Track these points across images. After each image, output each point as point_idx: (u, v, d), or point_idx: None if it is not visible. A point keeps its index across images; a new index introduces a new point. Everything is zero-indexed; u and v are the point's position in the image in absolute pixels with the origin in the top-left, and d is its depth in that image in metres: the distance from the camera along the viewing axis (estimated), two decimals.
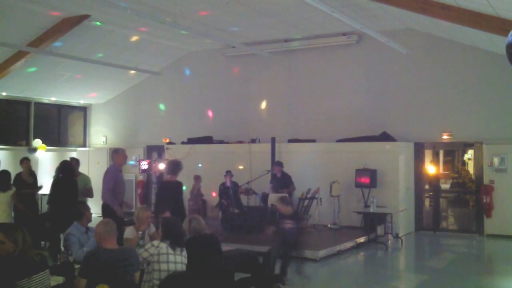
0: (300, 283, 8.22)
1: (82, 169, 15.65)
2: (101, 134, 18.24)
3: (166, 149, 15.51)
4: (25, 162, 10.49)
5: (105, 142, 17.98)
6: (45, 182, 11.14)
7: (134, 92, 17.61)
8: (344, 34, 13.97)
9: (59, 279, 4.96)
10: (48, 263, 4.67)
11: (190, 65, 16.64)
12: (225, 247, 7.07)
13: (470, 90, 12.93)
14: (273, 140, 13.63)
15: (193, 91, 16.54)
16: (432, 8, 9.60)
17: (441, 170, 14.07)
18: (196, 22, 12.77)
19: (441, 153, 14.21)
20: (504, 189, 12.29)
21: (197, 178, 13.36)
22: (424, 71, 13.45)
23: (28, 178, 10.22)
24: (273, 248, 6.76)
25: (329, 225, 12.54)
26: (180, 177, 8.91)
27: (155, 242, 5.43)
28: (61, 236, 7.21)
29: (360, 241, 11.22)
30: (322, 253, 9.70)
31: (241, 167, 13.97)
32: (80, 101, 17.99)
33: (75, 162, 10.02)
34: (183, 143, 15.48)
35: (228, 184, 12.88)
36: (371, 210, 11.49)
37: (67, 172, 9.22)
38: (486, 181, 12.56)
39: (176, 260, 5.36)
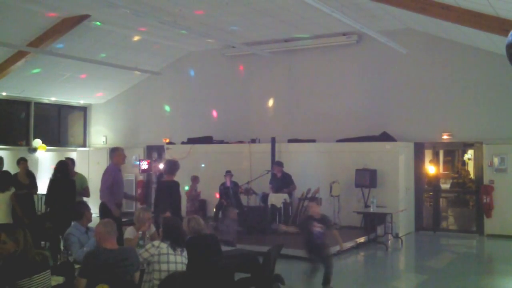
0: (300, 283, 8.21)
1: (82, 169, 15.73)
2: (101, 134, 18.24)
3: (166, 149, 15.51)
4: (22, 163, 10.42)
5: (105, 142, 17.98)
6: (45, 182, 11.11)
7: (134, 92, 17.61)
8: (344, 34, 13.97)
9: (59, 279, 4.96)
10: (49, 263, 4.68)
11: (190, 65, 16.64)
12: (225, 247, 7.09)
13: (470, 90, 12.93)
14: (273, 140, 13.63)
15: (193, 91, 16.54)
16: (432, 8, 9.60)
17: (441, 170, 14.08)
18: (196, 22, 12.77)
19: (441, 153, 14.22)
20: (504, 189, 12.29)
21: (195, 179, 13.33)
22: (424, 71, 13.45)
23: (24, 179, 10.15)
24: (273, 248, 6.76)
25: None
26: (179, 178, 8.92)
27: (156, 242, 5.43)
28: (61, 236, 7.22)
29: (360, 241, 11.22)
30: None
31: (243, 165, 13.94)
32: (80, 101, 17.99)
33: (70, 162, 10.03)
34: (183, 143, 15.48)
35: (228, 184, 12.89)
36: (371, 210, 11.49)
37: (65, 171, 9.24)
38: (486, 181, 12.56)
39: (176, 260, 5.36)
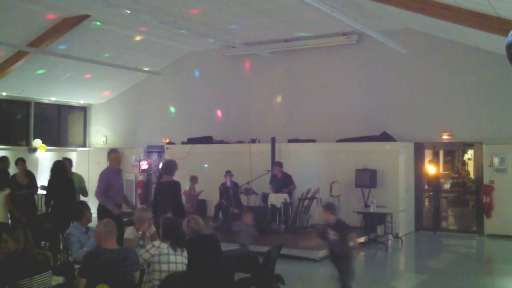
0: (300, 283, 8.23)
1: (82, 169, 15.74)
2: (101, 134, 18.24)
3: (166, 149, 15.51)
4: (20, 163, 10.39)
5: (105, 142, 17.98)
6: (45, 182, 11.12)
7: (134, 92, 17.61)
8: (344, 34, 13.97)
9: (59, 279, 4.96)
10: (50, 264, 4.68)
11: (190, 65, 16.65)
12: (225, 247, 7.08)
13: (470, 90, 12.93)
14: (273, 140, 13.63)
15: (193, 91, 16.54)
16: (432, 8, 9.60)
17: (441, 170, 14.07)
18: (196, 22, 12.77)
19: (441, 153, 14.21)
20: (504, 189, 12.28)
21: (194, 179, 13.32)
22: (424, 71, 13.45)
23: (22, 179, 10.10)
24: (273, 248, 6.76)
25: None
26: (179, 178, 8.93)
27: (156, 243, 5.43)
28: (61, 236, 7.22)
29: (360, 241, 11.19)
30: (322, 253, 9.68)
31: (243, 165, 13.94)
32: (80, 101, 18.00)
33: (67, 162, 10.05)
34: (183, 143, 15.49)
35: (228, 184, 12.88)
36: (371, 210, 11.49)
37: (62, 171, 9.25)
38: (486, 181, 12.56)
39: (176, 260, 5.36)
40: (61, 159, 10.10)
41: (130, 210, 8.64)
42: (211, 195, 13.79)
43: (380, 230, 11.76)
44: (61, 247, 6.67)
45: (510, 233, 12.09)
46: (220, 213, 12.86)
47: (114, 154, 8.76)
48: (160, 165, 14.10)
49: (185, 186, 12.84)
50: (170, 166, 8.68)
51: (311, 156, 13.55)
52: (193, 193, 13.27)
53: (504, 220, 12.24)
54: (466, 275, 9.21)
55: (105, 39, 14.08)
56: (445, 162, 14.52)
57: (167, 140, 15.94)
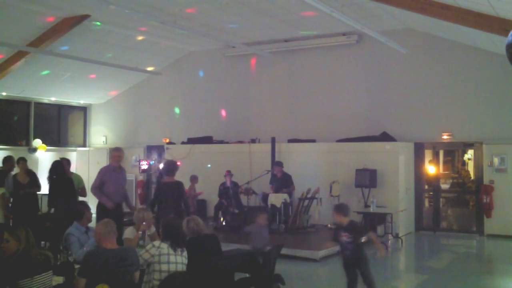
0: (300, 283, 8.23)
1: (82, 169, 15.74)
2: (101, 134, 18.24)
3: (166, 149, 15.51)
4: (21, 163, 10.42)
5: (105, 142, 17.98)
6: (45, 182, 11.14)
7: (134, 92, 17.61)
8: (344, 34, 13.97)
9: (59, 279, 4.96)
10: (51, 264, 4.68)
11: (190, 65, 16.64)
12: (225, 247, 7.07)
13: (470, 90, 12.93)
14: (273, 140, 13.63)
15: (193, 91, 16.54)
16: (431, 8, 9.60)
17: (441, 170, 14.08)
18: (196, 22, 12.77)
19: (441, 153, 14.21)
20: (504, 189, 12.28)
21: (194, 179, 13.32)
22: (424, 71, 13.45)
23: (23, 179, 10.13)
24: (273, 248, 6.76)
25: (329, 225, 12.53)
26: (179, 178, 8.92)
27: (156, 243, 5.43)
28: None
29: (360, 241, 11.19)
30: (322, 253, 9.69)
31: (243, 165, 13.93)
32: (80, 101, 18.00)
33: (66, 162, 10.09)
34: (183, 143, 15.49)
35: (228, 184, 12.88)
36: (371, 210, 11.48)
37: (60, 171, 9.31)
38: (486, 181, 12.56)
39: (176, 260, 5.36)
40: (58, 159, 10.13)
41: (130, 210, 8.64)
42: (211, 195, 13.80)
43: (380, 230, 11.75)
44: (61, 247, 6.66)
45: (510, 233, 12.09)
46: (220, 213, 12.87)
47: (114, 152, 8.83)
48: (161, 166, 14.17)
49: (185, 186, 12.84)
50: (172, 167, 8.68)
51: (311, 156, 13.55)
52: (193, 193, 13.27)
53: (504, 220, 12.24)
54: (466, 275, 9.20)
55: (105, 39, 14.08)
56: (445, 162, 14.52)
57: (167, 140, 15.94)
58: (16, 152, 14.88)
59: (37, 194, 10.30)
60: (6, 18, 12.01)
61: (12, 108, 16.45)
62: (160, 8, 11.71)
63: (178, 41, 15.18)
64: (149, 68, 16.39)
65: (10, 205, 10.07)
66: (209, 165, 14.49)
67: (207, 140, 15.25)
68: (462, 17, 9.47)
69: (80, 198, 9.83)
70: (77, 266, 5.23)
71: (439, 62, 13.26)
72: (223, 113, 15.94)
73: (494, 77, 12.60)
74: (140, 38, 14.54)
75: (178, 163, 9.04)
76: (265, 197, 12.60)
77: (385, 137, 13.05)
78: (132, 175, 16.30)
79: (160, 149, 16.21)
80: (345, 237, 6.35)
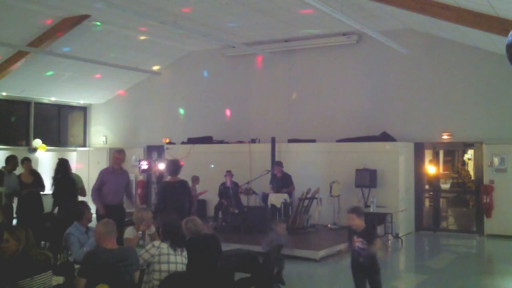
0: (300, 283, 8.22)
1: (82, 169, 15.74)
2: (101, 134, 18.24)
3: (166, 149, 15.51)
4: (26, 163, 10.47)
5: (105, 142, 17.98)
6: (46, 182, 11.13)
7: (134, 92, 17.61)
8: (344, 34, 13.97)
9: (59, 279, 4.96)
10: (51, 264, 4.68)
11: (190, 65, 16.64)
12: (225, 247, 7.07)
13: (470, 90, 12.93)
14: (273, 140, 13.63)
15: (193, 91, 16.54)
16: (432, 8, 9.60)
17: (441, 170, 14.08)
18: (196, 22, 12.77)
19: (441, 153, 14.21)
20: (504, 189, 12.28)
21: (195, 179, 13.32)
22: (424, 71, 13.45)
23: (27, 179, 10.19)
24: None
25: (329, 225, 12.55)
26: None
27: (156, 243, 5.43)
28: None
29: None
30: (322, 253, 9.70)
31: (243, 165, 13.92)
32: (80, 101, 18.00)
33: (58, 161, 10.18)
34: (183, 143, 15.49)
35: (229, 184, 12.88)
36: (371, 210, 11.48)
37: (66, 170, 9.46)
38: (486, 181, 12.55)
39: (176, 260, 5.36)
40: (58, 159, 10.15)
41: (132, 210, 8.64)
42: (211, 195, 13.81)
43: (380, 230, 11.74)
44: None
45: (510, 233, 12.09)
46: (220, 213, 12.87)
47: (115, 154, 8.93)
48: (161, 165, 14.17)
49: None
50: (176, 166, 8.65)
51: (311, 156, 13.55)
52: (194, 193, 13.28)
53: (504, 220, 12.23)
54: (466, 275, 9.20)
55: (105, 39, 14.08)
56: (445, 162, 14.53)
57: (167, 140, 15.94)
58: (16, 152, 14.87)
59: (40, 194, 10.32)
60: (6, 18, 12.02)
61: (12, 108, 16.45)
62: (160, 8, 11.71)
63: (178, 41, 15.18)
64: (149, 68, 16.38)
65: (10, 204, 10.10)
66: (212, 165, 14.48)
67: (207, 140, 15.25)
68: (462, 17, 9.47)
69: (80, 198, 9.86)
70: (77, 266, 5.23)
71: (439, 62, 13.26)
72: (228, 112, 15.89)
73: (494, 77, 12.60)
74: (140, 38, 14.54)
75: (181, 163, 9.00)
76: (265, 197, 12.61)
77: (385, 137, 13.05)
78: (132, 175, 16.28)
79: (160, 149, 16.21)
80: (359, 243, 5.92)
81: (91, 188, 8.87)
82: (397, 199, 12.33)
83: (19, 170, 10.56)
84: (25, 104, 16.60)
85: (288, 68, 15.08)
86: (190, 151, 14.74)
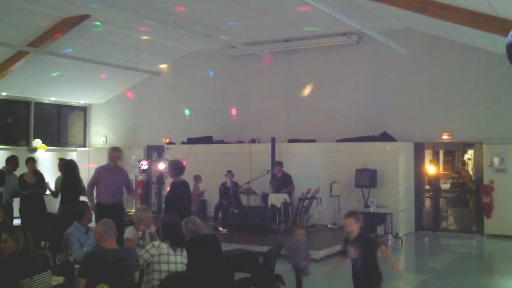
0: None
1: (82, 169, 15.67)
2: (101, 134, 18.24)
3: (166, 149, 15.51)
4: (30, 162, 10.50)
5: (105, 142, 17.98)
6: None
7: (134, 92, 17.61)
8: (344, 34, 13.97)
9: (59, 279, 4.96)
10: (50, 263, 4.68)
11: (190, 65, 16.64)
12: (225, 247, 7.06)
13: (470, 90, 12.93)
14: (273, 140, 13.63)
15: (193, 91, 16.54)
16: (432, 8, 9.60)
17: (441, 170, 14.08)
18: (196, 22, 12.77)
19: (441, 153, 14.21)
20: (504, 189, 12.29)
21: (198, 178, 13.33)
22: (424, 71, 13.45)
23: (30, 179, 10.20)
24: (273, 248, 6.76)
25: (329, 225, 12.55)
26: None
27: (156, 243, 5.43)
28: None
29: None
30: (322, 253, 9.69)
31: (243, 165, 13.92)
32: (80, 101, 17.99)
33: (61, 162, 10.32)
34: (183, 143, 15.49)
35: (229, 184, 12.88)
36: (371, 210, 11.49)
37: (74, 170, 9.63)
38: (486, 181, 12.56)
39: (176, 260, 5.36)
40: (58, 159, 10.18)
41: (132, 210, 8.66)
42: (211, 195, 13.82)
43: (380, 230, 11.76)
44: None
45: (510, 233, 12.09)
46: (220, 213, 12.87)
47: (111, 152, 8.95)
48: (161, 165, 14.17)
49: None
50: (181, 167, 8.64)
51: (311, 156, 13.55)
52: (198, 193, 13.29)
53: (504, 220, 12.24)
54: (466, 275, 9.20)
55: (105, 39, 14.08)
56: (445, 162, 14.52)
57: (167, 140, 15.93)
58: (16, 152, 14.89)
59: (42, 195, 10.33)
60: (6, 18, 12.01)
61: (12, 108, 16.45)
62: (160, 8, 11.71)
63: (178, 41, 15.17)
64: (149, 68, 16.38)
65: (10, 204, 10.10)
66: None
67: (207, 140, 15.25)
68: (462, 17, 9.47)
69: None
70: (77, 266, 5.23)
71: (439, 62, 13.26)
72: (229, 112, 15.85)
73: (494, 77, 12.60)
74: (140, 38, 14.54)
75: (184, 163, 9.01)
76: (265, 197, 12.61)
77: (385, 137, 13.05)
78: (132, 175, 16.31)
79: (160, 149, 16.21)
80: (353, 250, 5.49)
81: None
82: (397, 199, 12.33)
83: (22, 170, 10.57)
84: (25, 104, 16.60)
85: (288, 68, 15.08)
86: (190, 151, 14.74)
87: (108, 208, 8.29)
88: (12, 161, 10.35)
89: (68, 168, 9.70)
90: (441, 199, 13.71)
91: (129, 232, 6.44)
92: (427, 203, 13.79)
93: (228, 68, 16.02)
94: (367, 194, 12.32)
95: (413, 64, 13.49)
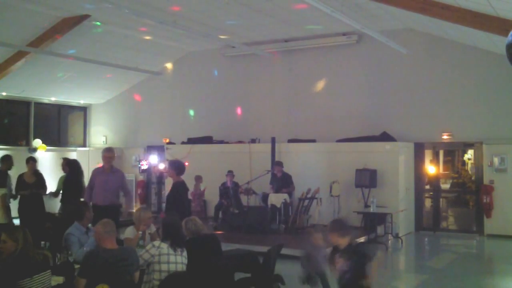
0: (300, 283, 8.19)
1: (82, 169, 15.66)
2: (101, 134, 18.24)
3: (166, 149, 15.51)
4: (31, 162, 10.44)
5: (105, 142, 17.97)
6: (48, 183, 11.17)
7: (134, 92, 17.61)
8: (344, 34, 13.97)
9: (59, 279, 4.96)
10: (49, 263, 4.68)
11: (190, 65, 16.65)
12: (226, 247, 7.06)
13: (470, 90, 12.93)
14: (273, 140, 13.63)
15: (193, 91, 16.54)
16: (432, 8, 9.60)
17: (441, 170, 14.07)
18: (196, 22, 12.77)
19: (441, 153, 14.21)
20: (504, 189, 12.29)
21: (198, 178, 13.33)
22: (424, 71, 13.45)
23: (30, 178, 10.15)
24: (273, 248, 6.75)
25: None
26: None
27: (156, 243, 5.43)
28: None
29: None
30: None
31: (243, 165, 13.92)
32: (80, 101, 17.99)
33: (65, 162, 10.28)
34: (183, 143, 15.49)
35: (229, 184, 12.89)
36: (371, 210, 11.49)
37: (77, 171, 9.67)
38: (486, 181, 12.56)
39: (176, 260, 5.36)
40: (61, 159, 10.18)
41: (132, 211, 8.66)
42: (211, 195, 13.81)
43: (380, 230, 11.76)
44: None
45: (510, 233, 12.09)
46: (220, 213, 12.88)
47: (104, 153, 8.75)
48: (161, 165, 14.18)
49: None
50: (183, 166, 8.63)
51: (311, 156, 13.55)
52: (199, 193, 13.29)
53: (504, 220, 12.24)
54: (466, 275, 9.20)
55: (105, 39, 14.08)
56: (445, 162, 14.52)
57: (167, 140, 15.93)
58: (16, 152, 14.89)
59: (41, 195, 10.30)
60: (6, 18, 12.02)
61: (12, 108, 16.45)
62: (160, 8, 11.71)
63: (178, 41, 15.17)
64: (149, 68, 16.38)
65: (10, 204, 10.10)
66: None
67: (207, 140, 15.25)
68: (462, 17, 9.47)
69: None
70: (77, 266, 5.23)
71: (439, 62, 13.26)
72: (230, 112, 15.80)
73: (494, 77, 12.60)
74: (140, 38, 14.54)
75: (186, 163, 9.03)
76: (265, 197, 12.61)
77: (385, 137, 13.05)
78: (132, 175, 16.32)
79: (160, 149, 16.21)
80: (341, 263, 4.84)
81: None
82: (397, 199, 12.33)
83: (21, 170, 10.55)
84: (25, 104, 16.60)
85: (288, 68, 15.08)
86: (190, 151, 14.74)
87: (103, 209, 8.13)
88: (7, 161, 10.25)
89: (72, 167, 9.66)
90: (441, 199, 13.71)
91: (129, 232, 6.44)
92: (427, 203, 13.79)
93: (228, 68, 16.02)
94: (367, 194, 12.32)
95: (413, 64, 13.49)
